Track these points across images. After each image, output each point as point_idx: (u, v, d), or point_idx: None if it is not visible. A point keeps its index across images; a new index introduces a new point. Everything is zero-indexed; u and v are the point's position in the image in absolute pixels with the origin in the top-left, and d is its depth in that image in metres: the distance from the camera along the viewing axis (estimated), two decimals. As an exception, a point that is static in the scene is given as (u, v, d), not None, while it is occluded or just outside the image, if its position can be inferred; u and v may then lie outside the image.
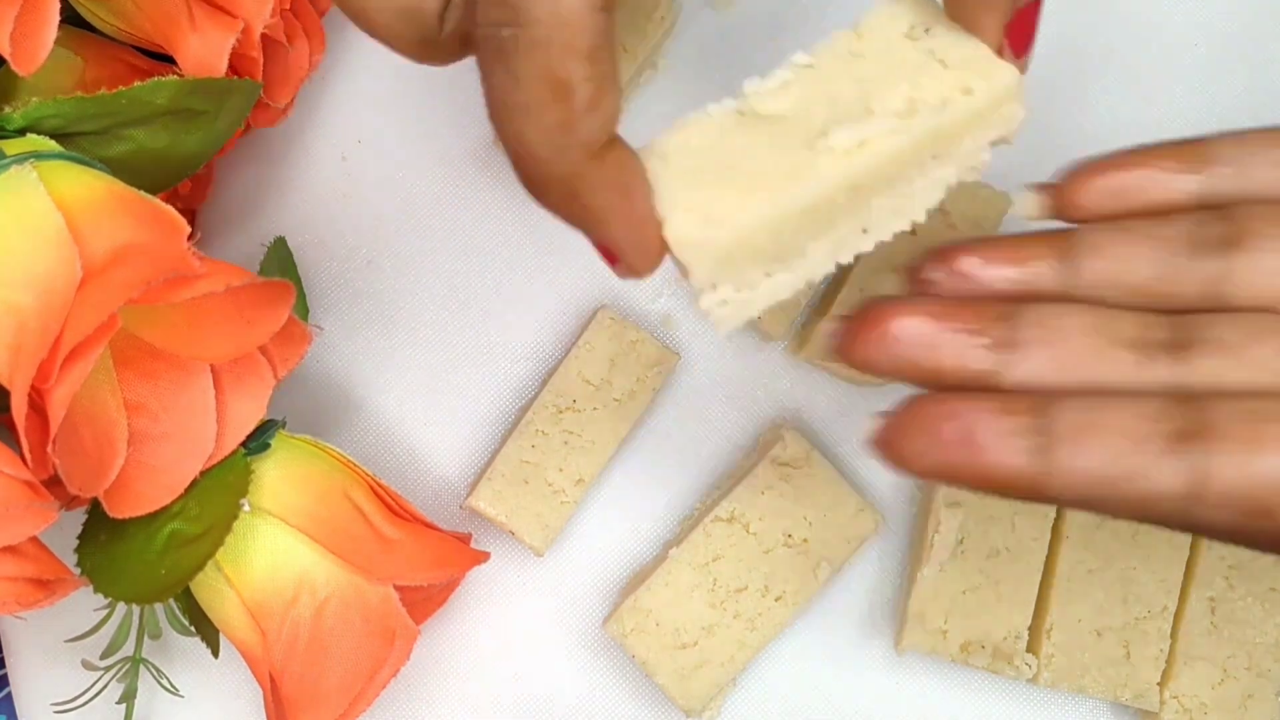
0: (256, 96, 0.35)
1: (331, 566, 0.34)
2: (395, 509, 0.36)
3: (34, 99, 0.32)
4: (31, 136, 0.32)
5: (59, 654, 0.39)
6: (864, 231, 0.24)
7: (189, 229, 0.30)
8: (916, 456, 0.25)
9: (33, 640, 0.40)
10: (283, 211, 0.42)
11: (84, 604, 0.35)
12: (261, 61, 0.35)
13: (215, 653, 0.36)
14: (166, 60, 0.36)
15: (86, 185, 0.31)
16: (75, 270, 0.28)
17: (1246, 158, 0.27)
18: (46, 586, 0.31)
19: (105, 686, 0.37)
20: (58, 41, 0.31)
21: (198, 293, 0.29)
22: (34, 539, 0.31)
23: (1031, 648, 0.38)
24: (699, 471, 0.41)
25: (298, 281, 0.41)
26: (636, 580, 0.39)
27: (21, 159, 0.30)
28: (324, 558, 0.34)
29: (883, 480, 0.40)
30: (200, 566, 0.32)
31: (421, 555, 0.35)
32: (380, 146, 0.42)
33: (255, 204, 0.42)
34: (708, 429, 0.41)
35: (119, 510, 0.32)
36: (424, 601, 0.37)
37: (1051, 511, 0.38)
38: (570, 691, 0.40)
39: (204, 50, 0.33)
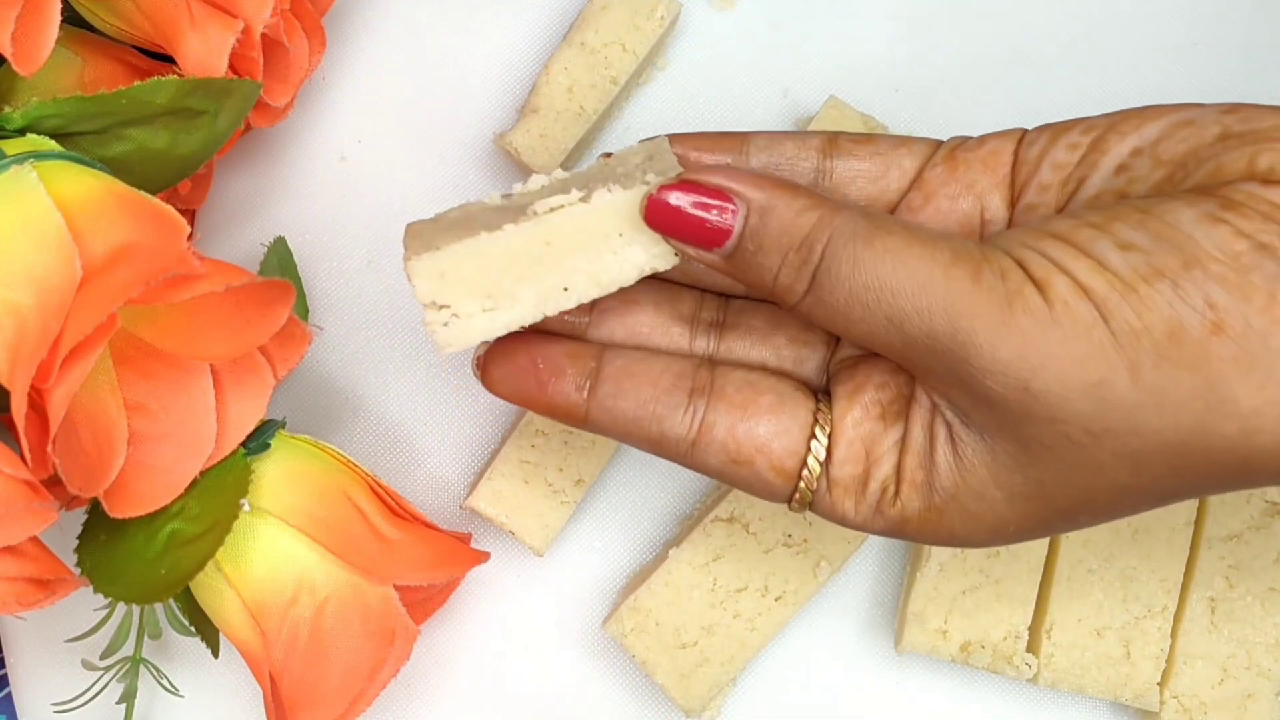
0: (256, 96, 0.35)
1: (331, 566, 0.34)
2: (395, 509, 0.36)
3: (34, 99, 0.32)
4: (31, 136, 0.32)
5: (59, 654, 0.39)
6: (565, 290, 0.30)
7: (189, 229, 0.30)
8: (498, 381, 0.32)
9: (33, 640, 0.40)
10: (283, 211, 0.42)
11: (84, 604, 0.35)
12: (261, 61, 0.35)
13: (215, 653, 0.36)
14: (166, 60, 0.36)
15: (86, 185, 0.30)
16: (75, 270, 0.28)
17: (776, 148, 0.32)
18: (46, 586, 0.31)
19: (105, 686, 0.37)
20: (58, 41, 0.31)
21: (198, 293, 0.29)
22: (34, 539, 0.31)
23: (1031, 647, 0.38)
24: (699, 471, 0.41)
25: (298, 281, 0.41)
26: (636, 580, 0.39)
27: (21, 159, 0.30)
28: (324, 558, 0.34)
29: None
30: (200, 566, 0.32)
31: (421, 555, 0.35)
32: (380, 146, 0.42)
33: (255, 204, 0.42)
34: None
35: (119, 510, 0.32)
36: (424, 601, 0.37)
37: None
38: (570, 691, 0.40)
39: (204, 50, 0.33)
